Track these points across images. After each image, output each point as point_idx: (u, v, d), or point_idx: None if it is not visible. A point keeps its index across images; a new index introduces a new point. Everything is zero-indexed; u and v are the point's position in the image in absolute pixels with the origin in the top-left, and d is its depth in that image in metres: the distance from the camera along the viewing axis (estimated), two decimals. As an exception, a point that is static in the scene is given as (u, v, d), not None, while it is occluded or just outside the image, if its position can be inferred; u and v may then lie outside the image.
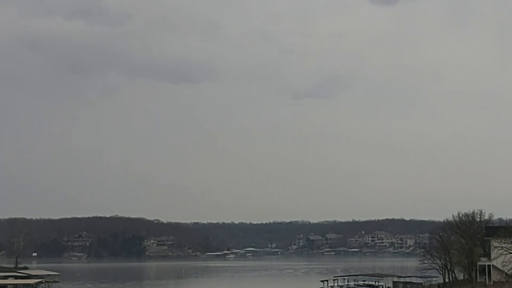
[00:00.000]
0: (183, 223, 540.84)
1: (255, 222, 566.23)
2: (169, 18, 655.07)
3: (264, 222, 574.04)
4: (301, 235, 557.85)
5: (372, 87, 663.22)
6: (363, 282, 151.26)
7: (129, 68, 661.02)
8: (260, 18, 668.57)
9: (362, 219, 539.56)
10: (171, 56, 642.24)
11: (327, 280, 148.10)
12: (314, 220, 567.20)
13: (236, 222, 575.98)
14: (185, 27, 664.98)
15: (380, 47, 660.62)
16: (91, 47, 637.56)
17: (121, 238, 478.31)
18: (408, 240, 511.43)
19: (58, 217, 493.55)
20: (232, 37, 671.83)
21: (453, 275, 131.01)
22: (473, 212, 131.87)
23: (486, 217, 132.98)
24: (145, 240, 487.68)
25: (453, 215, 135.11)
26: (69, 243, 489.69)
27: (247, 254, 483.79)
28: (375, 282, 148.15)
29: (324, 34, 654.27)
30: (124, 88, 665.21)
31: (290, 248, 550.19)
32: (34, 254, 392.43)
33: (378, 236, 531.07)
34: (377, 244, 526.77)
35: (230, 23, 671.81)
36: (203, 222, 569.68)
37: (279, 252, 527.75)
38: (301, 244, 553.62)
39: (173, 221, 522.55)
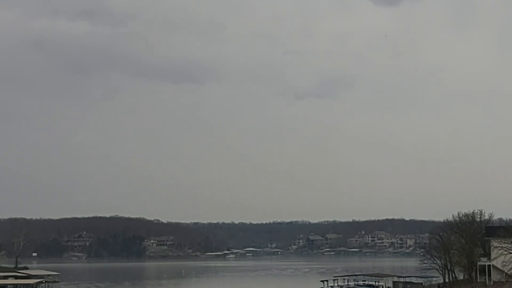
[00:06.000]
0: (183, 223, 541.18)
1: (255, 222, 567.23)
2: (172, 18, 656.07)
3: (264, 222, 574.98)
4: (301, 235, 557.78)
5: (374, 88, 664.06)
6: (363, 282, 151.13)
7: (133, 68, 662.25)
8: (263, 19, 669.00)
9: (362, 219, 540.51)
10: (175, 57, 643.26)
11: (327, 280, 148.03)
12: (314, 220, 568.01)
13: (236, 222, 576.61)
14: (189, 27, 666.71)
15: (383, 48, 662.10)
16: (95, 48, 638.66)
17: (121, 238, 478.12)
18: (408, 240, 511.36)
19: (58, 217, 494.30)
20: (235, 37, 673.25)
21: (453, 275, 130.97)
22: (473, 212, 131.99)
23: (486, 217, 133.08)
24: (145, 240, 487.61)
25: (453, 215, 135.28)
26: (69, 243, 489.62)
27: (247, 254, 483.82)
28: (375, 282, 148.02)
29: (327, 35, 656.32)
30: (127, 88, 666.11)
31: (290, 248, 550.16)
32: (34, 254, 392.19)
33: (378, 236, 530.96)
34: (377, 244, 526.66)
35: (234, 24, 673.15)
36: (203, 222, 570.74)
37: (279, 252, 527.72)
38: (301, 244, 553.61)
39: (173, 221, 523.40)
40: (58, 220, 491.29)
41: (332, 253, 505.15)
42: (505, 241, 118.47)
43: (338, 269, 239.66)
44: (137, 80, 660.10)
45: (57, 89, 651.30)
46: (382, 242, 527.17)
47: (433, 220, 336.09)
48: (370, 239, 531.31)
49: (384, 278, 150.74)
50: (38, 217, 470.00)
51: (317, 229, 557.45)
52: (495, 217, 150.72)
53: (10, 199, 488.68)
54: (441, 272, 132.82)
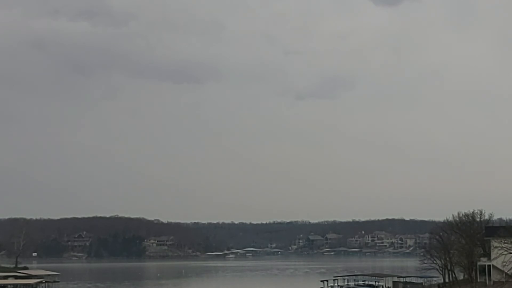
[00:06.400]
0: (183, 223, 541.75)
1: (255, 222, 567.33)
2: (173, 18, 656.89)
3: (264, 222, 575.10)
4: (301, 235, 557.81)
5: (375, 88, 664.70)
6: (363, 282, 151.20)
7: (133, 69, 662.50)
8: (264, 19, 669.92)
9: (362, 219, 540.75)
10: (175, 57, 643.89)
11: (327, 280, 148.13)
12: (314, 220, 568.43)
13: (236, 222, 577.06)
14: (189, 27, 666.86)
15: (383, 48, 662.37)
16: (95, 48, 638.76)
17: (121, 238, 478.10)
18: (408, 240, 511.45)
19: (58, 217, 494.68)
20: (235, 37, 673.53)
21: (453, 275, 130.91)
22: (473, 212, 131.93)
23: (486, 217, 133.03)
24: (145, 240, 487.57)
25: (453, 215, 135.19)
26: (69, 243, 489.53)
27: (247, 254, 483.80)
28: (375, 282, 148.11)
29: (328, 35, 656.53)
30: (128, 89, 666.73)
31: (290, 248, 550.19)
32: (34, 254, 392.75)
33: (378, 236, 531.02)
34: (377, 244, 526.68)
35: (234, 24, 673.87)
36: (203, 222, 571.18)
37: (279, 252, 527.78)
38: (301, 244, 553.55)
39: (173, 221, 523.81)
40: (58, 220, 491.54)
41: (332, 253, 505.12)
42: (505, 241, 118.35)
43: (338, 269, 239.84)
44: (137, 80, 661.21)
45: (57, 89, 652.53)
46: (382, 242, 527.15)
47: (433, 220, 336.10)
48: (370, 239, 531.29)
49: (384, 278, 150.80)
50: (38, 217, 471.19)
51: (317, 229, 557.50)
52: (495, 217, 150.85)
53: (10, 199, 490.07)
54: (441, 272, 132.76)
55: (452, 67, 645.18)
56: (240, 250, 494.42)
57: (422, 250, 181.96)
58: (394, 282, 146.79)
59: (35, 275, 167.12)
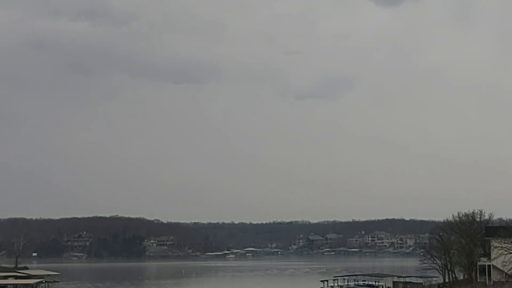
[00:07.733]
0: (183, 223, 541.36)
1: (255, 222, 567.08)
2: (173, 18, 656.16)
3: (264, 222, 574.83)
4: (301, 235, 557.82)
5: (375, 87, 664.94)
6: (363, 282, 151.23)
7: (134, 69, 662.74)
8: (264, 19, 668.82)
9: (362, 219, 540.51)
10: (176, 57, 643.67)
11: (327, 280, 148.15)
12: (314, 220, 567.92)
13: (236, 222, 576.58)
14: (190, 27, 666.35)
15: (384, 48, 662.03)
16: (96, 48, 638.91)
17: (121, 238, 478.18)
18: (408, 240, 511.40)
19: (58, 217, 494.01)
20: (236, 38, 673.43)
21: (453, 275, 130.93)
22: (473, 212, 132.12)
23: (486, 217, 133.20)
24: (145, 240, 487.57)
25: (453, 215, 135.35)
26: (69, 243, 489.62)
27: (247, 254, 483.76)
28: (375, 282, 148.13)
29: (328, 35, 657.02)
30: (129, 89, 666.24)
31: (290, 248, 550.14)
32: (34, 254, 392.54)
33: (378, 236, 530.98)
34: (377, 244, 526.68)
35: (235, 24, 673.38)
36: (203, 222, 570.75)
37: (279, 252, 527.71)
38: (301, 244, 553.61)
39: (173, 221, 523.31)
40: (58, 220, 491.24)
41: (332, 253, 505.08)
42: (505, 241, 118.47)
43: (338, 269, 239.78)
44: (138, 80, 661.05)
45: (57, 89, 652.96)
46: (382, 242, 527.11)
47: (433, 220, 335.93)
48: (370, 239, 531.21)
49: (384, 278, 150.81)
50: (38, 217, 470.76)
51: (317, 229, 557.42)
52: (495, 217, 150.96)
53: (10, 199, 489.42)
54: (441, 272, 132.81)
55: (453, 66, 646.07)
56: (240, 250, 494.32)
57: (422, 250, 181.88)
58: (394, 282, 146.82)
59: (35, 275, 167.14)
